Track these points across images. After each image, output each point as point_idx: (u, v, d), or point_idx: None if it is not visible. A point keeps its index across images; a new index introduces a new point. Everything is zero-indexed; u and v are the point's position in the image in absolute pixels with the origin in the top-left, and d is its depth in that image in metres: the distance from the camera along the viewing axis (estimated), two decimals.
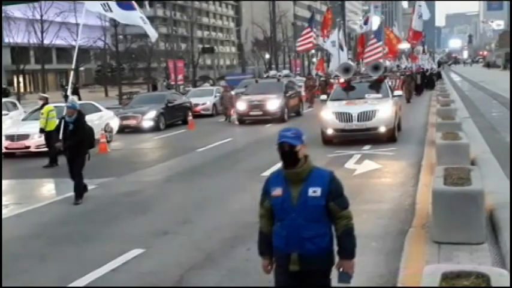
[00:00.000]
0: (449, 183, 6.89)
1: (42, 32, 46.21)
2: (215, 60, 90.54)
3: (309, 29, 32.71)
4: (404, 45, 43.32)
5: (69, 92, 13.34)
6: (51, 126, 14.82)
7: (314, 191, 3.95)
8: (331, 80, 30.59)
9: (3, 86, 47.87)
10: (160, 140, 21.12)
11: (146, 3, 78.89)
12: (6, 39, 44.57)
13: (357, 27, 49.46)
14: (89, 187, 11.10)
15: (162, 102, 25.20)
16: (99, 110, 20.69)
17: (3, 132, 17.45)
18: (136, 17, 13.81)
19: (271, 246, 4.13)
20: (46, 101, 16.76)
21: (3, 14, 40.07)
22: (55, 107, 16.40)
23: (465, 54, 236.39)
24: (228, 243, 7.54)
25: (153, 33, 14.54)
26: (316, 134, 16.72)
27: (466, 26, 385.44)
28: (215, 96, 30.61)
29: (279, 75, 41.96)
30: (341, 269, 4.07)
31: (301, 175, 4.00)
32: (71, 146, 10.65)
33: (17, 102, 26.63)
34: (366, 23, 36.76)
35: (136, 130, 23.57)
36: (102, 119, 20.20)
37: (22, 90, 58.52)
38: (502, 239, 6.38)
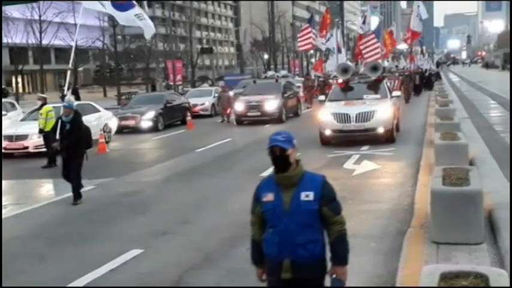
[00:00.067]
0: (448, 183, 6.90)
1: (40, 33, 46.13)
2: (214, 60, 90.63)
3: (309, 29, 32.69)
4: (403, 46, 43.46)
5: (66, 92, 13.33)
6: (50, 127, 14.80)
7: (307, 195, 3.87)
8: (330, 81, 30.59)
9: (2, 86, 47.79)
10: (159, 140, 21.12)
11: (145, 3, 78.80)
12: (4, 40, 44.45)
13: (356, 28, 49.44)
14: (88, 187, 11.11)
15: (160, 103, 25.20)
16: (98, 111, 20.67)
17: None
18: (131, 17, 13.76)
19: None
20: (45, 102, 16.76)
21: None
22: (54, 107, 16.38)
23: (464, 55, 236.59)
24: (227, 243, 7.54)
25: (148, 30, 14.27)
26: (314, 134, 16.74)
27: (464, 26, 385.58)
28: (214, 97, 30.62)
29: (277, 76, 41.95)
30: (334, 276, 3.96)
31: (293, 179, 3.92)
32: (68, 145, 10.63)
33: (15, 103, 26.61)
34: (364, 22, 36.80)
35: (135, 130, 23.57)
36: (101, 119, 20.19)
37: (20, 90, 58.47)
38: (500, 239, 6.39)
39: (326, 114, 16.40)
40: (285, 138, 3.93)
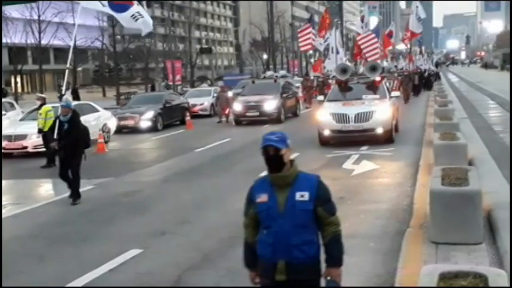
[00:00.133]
0: (447, 183, 6.90)
1: (39, 32, 46.11)
2: (213, 60, 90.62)
3: (309, 29, 32.68)
4: (402, 46, 43.52)
5: (65, 92, 13.30)
6: (49, 127, 14.80)
7: (302, 195, 3.81)
8: (330, 81, 30.58)
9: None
10: (158, 140, 21.11)
11: (144, 3, 78.77)
12: (3, 40, 44.43)
13: (355, 28, 49.43)
14: (87, 187, 11.10)
15: (159, 103, 25.20)
16: (97, 110, 20.68)
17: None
18: (127, 18, 13.71)
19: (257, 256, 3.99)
20: (44, 102, 16.75)
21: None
22: (53, 107, 16.38)
23: (463, 55, 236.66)
24: (226, 243, 7.53)
25: (146, 26, 14.09)
26: (313, 135, 16.74)
27: (463, 26, 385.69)
28: (213, 97, 30.59)
29: (276, 76, 41.92)
30: (328, 278, 3.90)
31: (287, 179, 3.86)
32: (66, 145, 10.59)
33: (14, 103, 26.59)
34: (362, 21, 36.85)
35: (134, 130, 23.57)
36: (100, 119, 20.19)
37: (20, 90, 58.42)
38: (499, 239, 6.40)
39: (325, 115, 16.39)
40: (278, 138, 3.88)
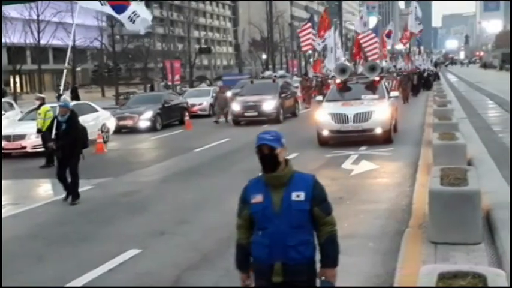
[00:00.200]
0: (446, 183, 6.90)
1: (38, 32, 46.11)
2: (212, 60, 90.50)
3: (310, 29, 32.68)
4: (401, 46, 43.54)
5: (63, 91, 13.27)
6: (47, 126, 14.77)
7: (298, 195, 3.76)
8: (329, 81, 30.59)
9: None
10: (157, 140, 21.11)
11: (143, 3, 78.66)
12: (2, 40, 44.42)
13: (354, 28, 49.41)
14: (86, 187, 11.09)
15: (158, 103, 25.20)
16: (96, 110, 20.67)
17: None
18: (125, 19, 13.69)
19: (249, 258, 3.93)
20: (43, 101, 16.73)
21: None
22: (52, 107, 16.36)
23: (462, 55, 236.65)
24: (225, 243, 7.51)
25: (144, 24, 14.04)
26: (312, 135, 16.74)
27: (462, 26, 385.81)
28: (212, 97, 30.59)
29: (275, 76, 41.94)
30: (323, 278, 3.84)
31: (282, 179, 3.80)
32: (64, 145, 10.57)
33: (13, 103, 26.59)
34: (361, 19, 36.85)
35: (133, 130, 23.56)
36: (99, 119, 20.18)
37: (18, 90, 58.38)
38: (498, 239, 6.40)
39: (324, 115, 16.38)
40: (273, 137, 3.82)
